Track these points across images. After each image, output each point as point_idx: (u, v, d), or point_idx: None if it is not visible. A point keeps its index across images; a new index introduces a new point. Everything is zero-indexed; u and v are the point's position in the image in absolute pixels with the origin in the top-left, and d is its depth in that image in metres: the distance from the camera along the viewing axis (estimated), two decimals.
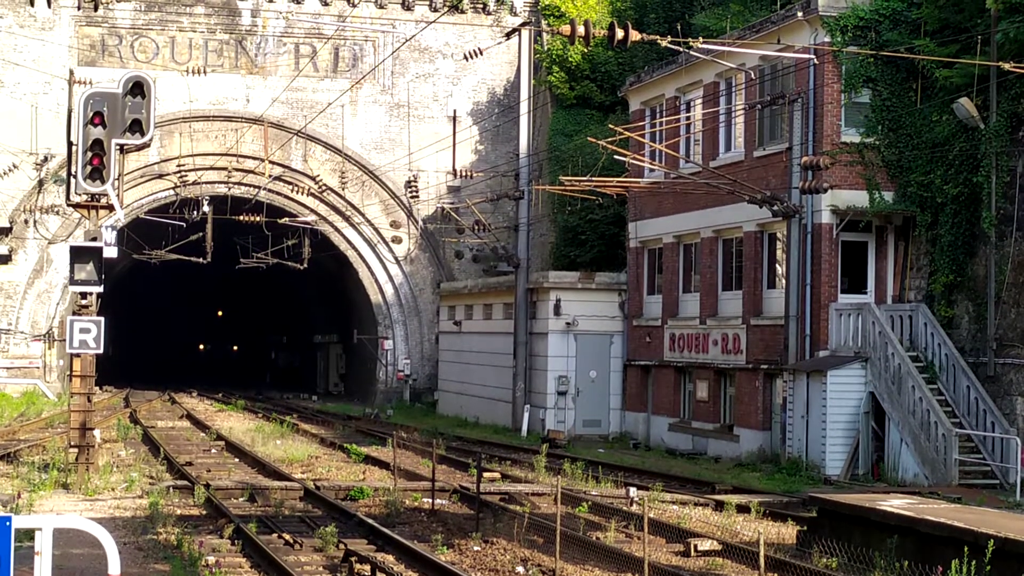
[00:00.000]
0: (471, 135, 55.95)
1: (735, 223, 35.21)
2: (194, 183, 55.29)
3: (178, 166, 55.35)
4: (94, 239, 25.23)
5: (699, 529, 20.51)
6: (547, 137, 50.15)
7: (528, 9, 55.84)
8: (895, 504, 17.96)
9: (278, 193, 56.22)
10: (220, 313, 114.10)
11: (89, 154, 24.30)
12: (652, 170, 38.28)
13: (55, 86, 53.04)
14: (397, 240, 57.11)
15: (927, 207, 31.14)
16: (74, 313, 25.67)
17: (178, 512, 21.48)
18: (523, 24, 52.52)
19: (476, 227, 48.40)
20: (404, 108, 56.72)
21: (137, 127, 24.45)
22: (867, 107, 31.91)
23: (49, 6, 53.80)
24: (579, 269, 44.26)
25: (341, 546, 17.96)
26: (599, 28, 20.57)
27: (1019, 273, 28.64)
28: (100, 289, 24.87)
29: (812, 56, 31.18)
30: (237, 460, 31.71)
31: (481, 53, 36.24)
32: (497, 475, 28.28)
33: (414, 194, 55.15)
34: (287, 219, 56.13)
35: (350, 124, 56.43)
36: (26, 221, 53.76)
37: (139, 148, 25.96)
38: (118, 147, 24.58)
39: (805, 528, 19.33)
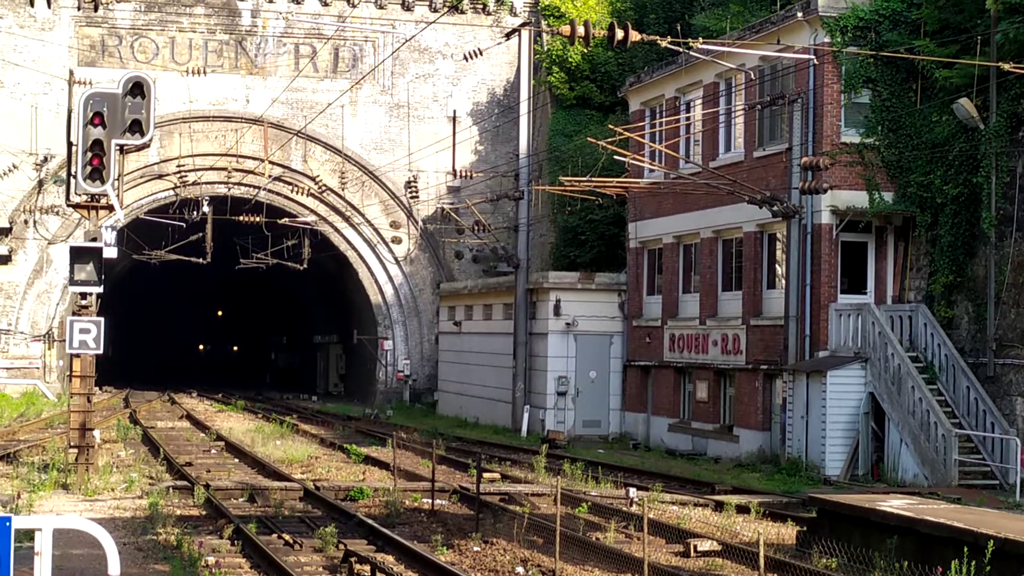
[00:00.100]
0: (471, 135, 55.96)
1: (735, 223, 35.21)
2: (194, 183, 55.29)
3: (178, 166, 55.35)
4: (94, 239, 25.23)
5: (699, 530, 20.52)
6: (547, 137, 50.15)
7: (528, 9, 55.85)
8: (895, 504, 17.97)
9: (278, 193, 56.22)
10: (220, 313, 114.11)
11: (89, 154, 24.30)
12: (652, 170, 38.29)
13: (55, 86, 53.05)
14: (397, 240, 57.11)
15: (927, 207, 31.14)
16: (74, 313, 25.67)
17: (178, 512, 21.49)
18: (523, 24, 52.57)
19: (476, 227, 48.40)
20: (404, 108, 56.72)
21: (137, 127, 24.45)
22: (867, 107, 31.92)
23: (49, 6, 53.80)
24: (579, 269, 44.26)
25: (341, 546, 17.96)
26: (599, 28, 20.58)
27: (1019, 273, 28.64)
28: (100, 289, 24.87)
29: (812, 56, 31.18)
30: (237, 460, 31.72)
31: (481, 53, 36.27)
32: (497, 475, 28.28)
33: (414, 194, 55.15)
34: (287, 219, 56.14)
35: (350, 124, 56.43)
36: (26, 221, 53.76)
37: (139, 148, 25.95)
38: (118, 147, 24.57)
39: (805, 529, 19.33)
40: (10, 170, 53.01)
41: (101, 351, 24.84)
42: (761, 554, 13.83)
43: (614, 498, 24.26)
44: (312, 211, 56.47)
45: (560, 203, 46.88)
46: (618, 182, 37.16)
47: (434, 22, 53.04)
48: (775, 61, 32.51)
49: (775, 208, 31.52)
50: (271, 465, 29.18)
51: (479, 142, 56.53)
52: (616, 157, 36.24)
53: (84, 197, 24.91)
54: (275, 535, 19.49)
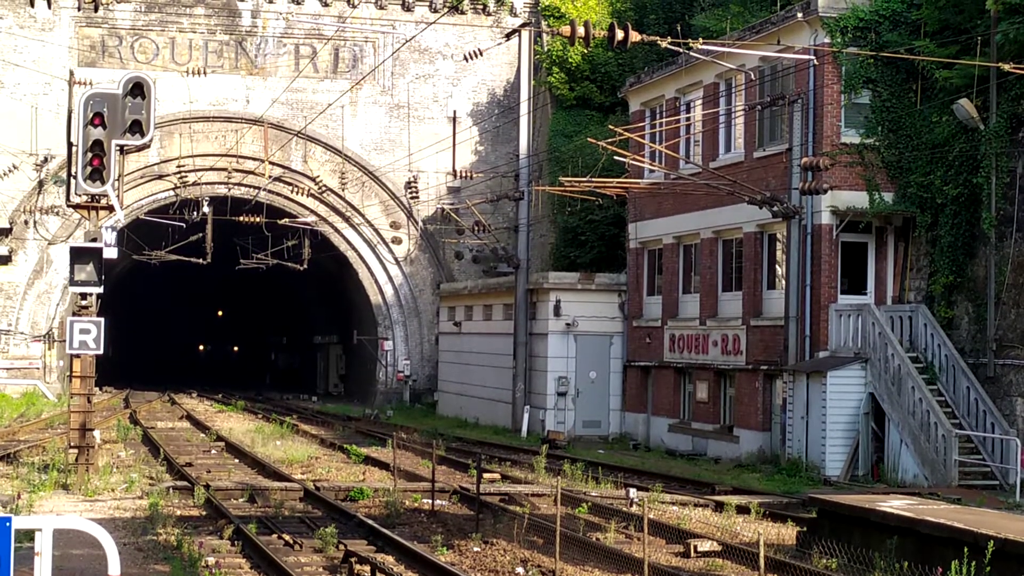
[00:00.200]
0: (471, 136, 55.96)
1: (735, 224, 35.21)
2: (194, 184, 55.30)
3: (178, 167, 55.36)
4: (94, 240, 25.23)
5: (699, 530, 20.52)
6: (547, 138, 50.15)
7: (528, 10, 55.85)
8: (895, 505, 17.97)
9: (278, 194, 56.23)
10: (220, 314, 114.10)
11: (89, 155, 24.30)
12: (652, 171, 38.29)
13: (55, 87, 53.06)
14: (397, 241, 57.11)
15: (927, 208, 31.14)
16: (74, 314, 25.67)
17: (178, 513, 21.49)
18: (523, 25, 52.59)
19: (476, 228, 48.40)
20: (404, 109, 56.73)
21: (137, 128, 24.46)
22: (867, 108, 31.92)
23: (49, 7, 53.81)
24: (579, 270, 44.25)
25: (341, 547, 17.96)
26: (599, 29, 20.58)
27: (1019, 274, 28.64)
28: (100, 290, 24.87)
29: (812, 57, 31.18)
30: (237, 461, 31.72)
31: (481, 54, 36.26)
32: (497, 476, 28.28)
33: (414, 195, 55.16)
34: (287, 220, 56.14)
35: (350, 125, 56.44)
36: (26, 222, 53.77)
37: (139, 149, 25.96)
38: (118, 148, 24.57)
39: (805, 529, 19.33)
40: (10, 170, 53.02)
41: (101, 351, 24.84)
42: (761, 554, 13.83)
43: (614, 498, 24.26)
44: (312, 211, 56.47)
45: (560, 203, 46.89)
46: (618, 182, 37.15)
47: (434, 23, 53.06)
48: (775, 61, 32.52)
49: (775, 208, 31.52)
50: (271, 465, 29.19)
51: (479, 142, 56.54)
52: (616, 157, 36.24)
53: (84, 197, 24.92)
54: (275, 535, 19.49)
